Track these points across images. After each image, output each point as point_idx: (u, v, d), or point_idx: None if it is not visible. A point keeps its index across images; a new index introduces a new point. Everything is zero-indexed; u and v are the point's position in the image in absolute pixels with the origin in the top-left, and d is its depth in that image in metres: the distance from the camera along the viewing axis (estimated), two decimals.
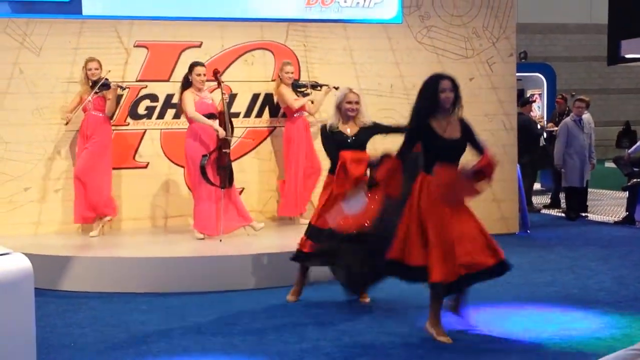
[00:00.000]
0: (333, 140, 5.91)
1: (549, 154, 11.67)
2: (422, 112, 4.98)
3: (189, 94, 7.29)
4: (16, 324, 3.26)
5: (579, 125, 10.53)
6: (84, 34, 8.10)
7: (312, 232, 5.91)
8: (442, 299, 4.97)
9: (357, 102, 5.92)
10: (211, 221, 7.31)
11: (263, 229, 7.61)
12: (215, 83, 7.52)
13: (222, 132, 7.27)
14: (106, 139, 7.75)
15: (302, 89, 8.24)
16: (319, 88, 8.25)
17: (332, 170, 5.93)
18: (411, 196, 4.93)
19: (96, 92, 7.53)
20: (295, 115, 8.16)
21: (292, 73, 8.19)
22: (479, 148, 5.08)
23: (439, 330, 4.93)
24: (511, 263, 4.99)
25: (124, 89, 8.00)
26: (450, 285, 4.83)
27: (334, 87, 7.85)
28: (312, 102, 8.26)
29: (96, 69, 7.56)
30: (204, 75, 7.35)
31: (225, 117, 7.31)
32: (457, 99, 5.03)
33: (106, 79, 7.60)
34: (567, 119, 10.76)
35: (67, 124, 7.74)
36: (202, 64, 7.46)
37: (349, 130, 5.90)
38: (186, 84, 7.38)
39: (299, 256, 6.03)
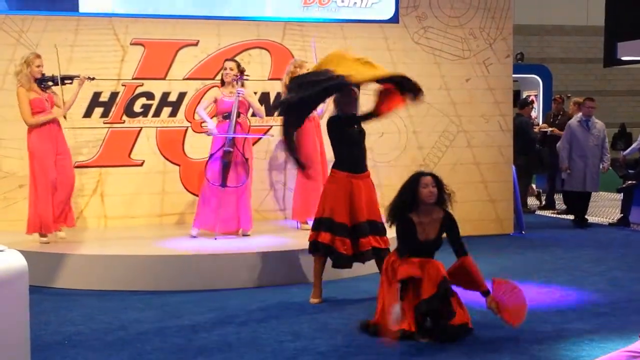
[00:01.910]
0: (344, 133, 5.91)
1: (542, 157, 11.69)
2: (402, 206, 5.10)
3: (212, 92, 7.45)
4: (10, 321, 3.25)
5: (585, 126, 10.09)
6: (80, 32, 8.09)
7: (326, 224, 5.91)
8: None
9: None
10: (200, 217, 7.33)
11: (261, 227, 7.60)
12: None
13: (211, 131, 7.23)
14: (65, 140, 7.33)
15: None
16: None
17: (339, 166, 5.94)
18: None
19: (62, 85, 7.10)
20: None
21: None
22: (457, 249, 5.16)
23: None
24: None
25: (93, 79, 7.47)
26: None
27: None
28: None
29: (41, 65, 7.05)
30: (230, 69, 7.34)
31: (232, 116, 7.29)
32: (441, 194, 5.10)
33: (53, 76, 7.12)
34: (572, 121, 10.34)
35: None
36: (231, 59, 7.55)
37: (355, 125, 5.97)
38: (221, 82, 7.45)
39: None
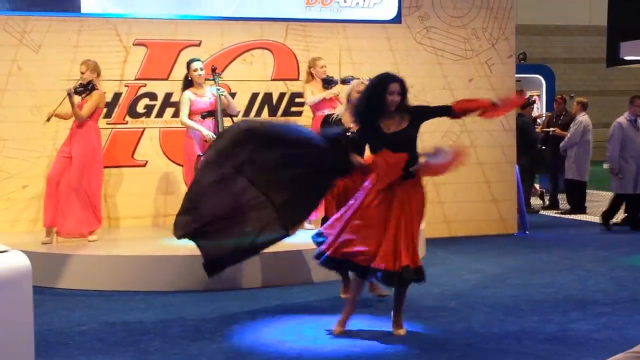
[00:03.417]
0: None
1: (544, 157, 11.67)
2: (367, 114, 4.94)
3: (185, 95, 7.32)
4: (14, 321, 3.25)
5: (634, 125, 9.73)
6: (83, 32, 8.10)
7: None
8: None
9: None
10: None
11: None
12: (212, 81, 7.50)
13: (209, 137, 7.20)
14: (88, 147, 7.31)
15: (331, 85, 7.79)
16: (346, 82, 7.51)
17: None
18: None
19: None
20: (318, 113, 7.73)
21: (325, 67, 7.86)
22: (442, 109, 5.06)
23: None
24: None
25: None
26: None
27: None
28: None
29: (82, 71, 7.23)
30: (201, 69, 7.35)
31: (217, 116, 7.29)
32: (403, 100, 4.94)
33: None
34: (622, 119, 9.83)
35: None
36: (197, 60, 7.49)
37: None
38: (186, 83, 7.38)
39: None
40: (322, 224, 5.93)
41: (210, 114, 7.32)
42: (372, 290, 5.99)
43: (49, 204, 7.13)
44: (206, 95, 7.36)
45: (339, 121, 5.84)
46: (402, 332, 5.05)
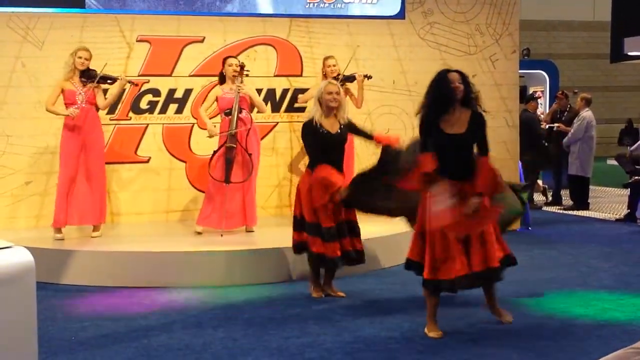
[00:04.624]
0: (318, 135, 5.82)
1: (549, 154, 11.65)
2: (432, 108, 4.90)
3: (213, 91, 7.43)
4: (17, 317, 3.26)
5: None
6: (86, 28, 8.10)
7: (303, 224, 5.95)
8: (433, 296, 4.97)
9: (338, 93, 5.86)
10: (205, 214, 7.33)
11: (265, 224, 7.61)
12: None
13: (211, 132, 7.25)
14: (102, 135, 7.40)
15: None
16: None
17: (311, 166, 5.92)
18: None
19: (97, 84, 7.12)
20: None
21: (334, 66, 7.85)
22: (480, 147, 4.97)
23: (430, 326, 4.97)
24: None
25: (136, 84, 7.79)
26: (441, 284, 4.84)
27: (366, 76, 7.76)
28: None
29: (86, 59, 7.11)
30: (229, 66, 7.36)
31: (233, 112, 7.29)
32: (468, 90, 4.93)
33: (93, 71, 7.13)
34: None
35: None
36: (234, 57, 7.57)
37: (332, 126, 5.86)
38: (221, 80, 7.42)
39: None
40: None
41: (231, 111, 7.31)
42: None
43: (65, 203, 7.11)
44: (229, 93, 7.33)
45: (320, 127, 5.83)
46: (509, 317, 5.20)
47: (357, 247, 5.94)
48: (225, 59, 7.48)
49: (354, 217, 5.95)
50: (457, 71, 5.01)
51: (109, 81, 7.24)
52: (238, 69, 7.31)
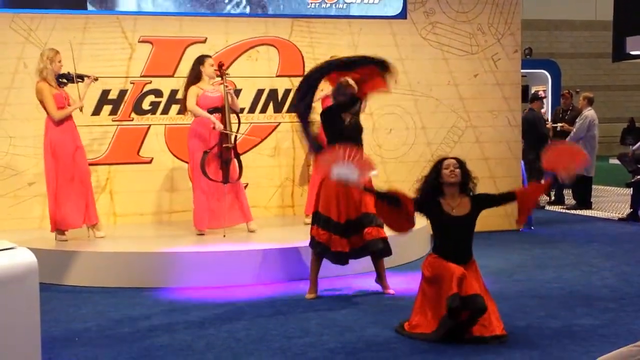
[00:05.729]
0: (335, 124, 5.91)
1: None
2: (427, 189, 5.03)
3: (193, 89, 7.28)
4: (21, 318, 3.27)
5: None
6: (88, 30, 8.12)
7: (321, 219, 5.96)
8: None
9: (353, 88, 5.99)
10: (205, 216, 7.31)
11: (267, 224, 7.61)
12: (220, 78, 7.50)
13: (218, 126, 7.21)
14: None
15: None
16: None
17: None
18: None
19: (73, 83, 7.07)
20: None
21: None
22: (504, 196, 5.22)
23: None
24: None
25: (96, 79, 7.39)
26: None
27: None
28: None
29: (61, 61, 7.06)
30: (210, 65, 7.34)
31: (225, 112, 7.29)
32: (465, 175, 5.02)
33: (69, 73, 7.12)
34: None
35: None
36: (210, 56, 7.50)
37: (347, 118, 5.95)
38: (193, 79, 7.35)
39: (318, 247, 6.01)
40: (313, 220, 6.02)
41: (217, 109, 7.30)
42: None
43: (74, 205, 7.07)
44: (212, 92, 7.34)
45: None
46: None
47: (381, 236, 5.93)
48: (203, 58, 7.36)
49: (371, 209, 5.91)
50: (454, 158, 5.07)
51: (79, 79, 7.14)
52: (216, 68, 7.32)
